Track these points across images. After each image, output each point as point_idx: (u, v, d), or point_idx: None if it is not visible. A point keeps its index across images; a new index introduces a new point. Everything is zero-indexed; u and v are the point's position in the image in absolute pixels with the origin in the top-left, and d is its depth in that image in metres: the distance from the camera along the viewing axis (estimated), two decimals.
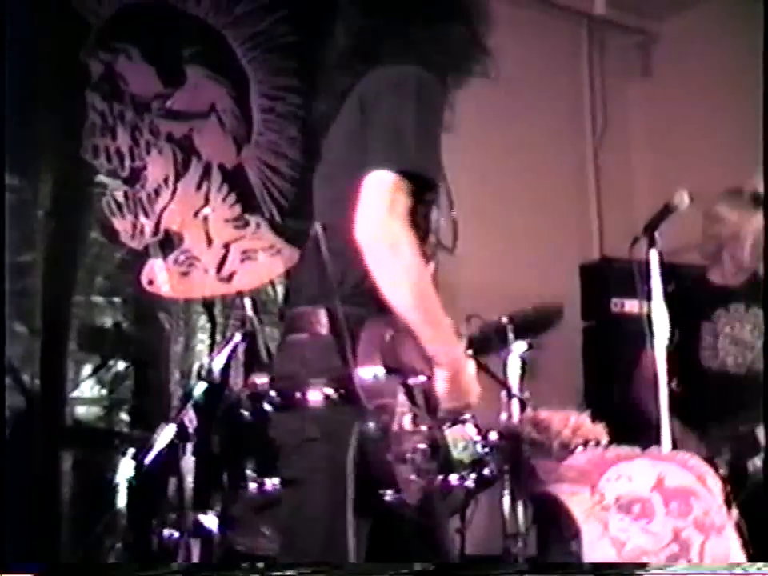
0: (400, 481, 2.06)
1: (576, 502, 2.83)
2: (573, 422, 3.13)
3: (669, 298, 3.31)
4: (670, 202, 3.28)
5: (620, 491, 2.85)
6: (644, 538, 2.80)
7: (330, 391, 2.12)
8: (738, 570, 2.49)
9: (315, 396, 2.14)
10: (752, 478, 3.73)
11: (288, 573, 2.16)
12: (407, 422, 2.11)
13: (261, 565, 2.92)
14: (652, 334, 3.20)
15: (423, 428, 2.16)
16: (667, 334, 3.23)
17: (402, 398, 2.10)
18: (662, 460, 2.98)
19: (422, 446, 2.14)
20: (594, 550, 2.77)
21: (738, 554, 2.89)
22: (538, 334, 3.97)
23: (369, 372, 2.05)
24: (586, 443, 3.15)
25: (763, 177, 3.69)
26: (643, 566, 2.69)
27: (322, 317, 2.18)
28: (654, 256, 3.28)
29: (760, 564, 2.45)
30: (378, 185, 2.14)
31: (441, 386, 2.21)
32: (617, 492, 2.84)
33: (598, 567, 2.68)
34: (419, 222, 2.23)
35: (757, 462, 3.75)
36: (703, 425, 3.91)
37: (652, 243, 3.29)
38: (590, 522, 2.78)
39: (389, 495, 2.07)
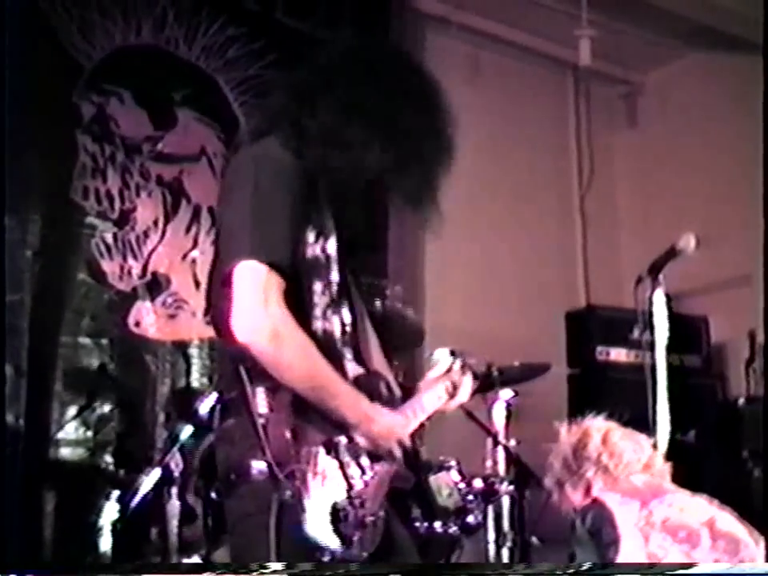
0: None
1: (623, 511, 2.74)
2: (644, 459, 2.97)
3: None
4: (675, 244, 3.22)
5: (669, 514, 2.75)
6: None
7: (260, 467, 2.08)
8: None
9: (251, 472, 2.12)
10: None
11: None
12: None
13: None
14: (654, 380, 3.11)
15: (356, 481, 2.16)
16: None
17: (321, 460, 2.11)
18: (719, 508, 2.86)
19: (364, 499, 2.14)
20: (628, 559, 2.66)
21: None
22: (521, 383, 3.99)
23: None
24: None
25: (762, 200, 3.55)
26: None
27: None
28: (658, 297, 3.20)
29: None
30: (248, 276, 2.13)
31: (361, 441, 2.22)
32: (666, 514, 2.75)
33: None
34: (297, 302, 2.20)
35: None
36: None
37: (656, 284, 3.22)
38: (632, 534, 2.68)
39: (326, 555, 2.07)
